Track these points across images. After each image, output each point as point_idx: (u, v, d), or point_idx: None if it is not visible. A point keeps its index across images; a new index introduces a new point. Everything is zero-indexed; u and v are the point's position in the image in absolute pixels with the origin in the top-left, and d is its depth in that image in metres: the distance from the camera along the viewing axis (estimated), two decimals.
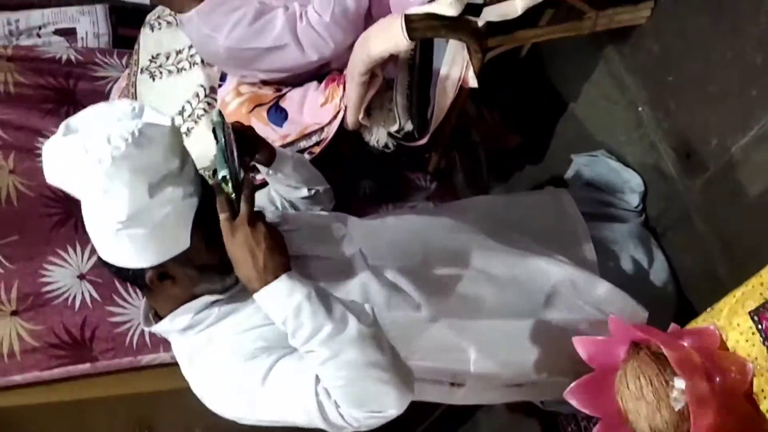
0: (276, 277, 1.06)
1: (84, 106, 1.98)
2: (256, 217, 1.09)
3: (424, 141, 1.87)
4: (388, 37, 1.60)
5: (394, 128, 1.85)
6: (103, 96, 2.02)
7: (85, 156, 1.02)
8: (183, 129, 1.88)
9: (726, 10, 1.59)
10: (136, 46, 2.04)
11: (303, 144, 1.81)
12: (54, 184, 1.10)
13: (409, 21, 1.56)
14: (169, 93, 1.94)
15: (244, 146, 1.26)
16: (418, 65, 1.80)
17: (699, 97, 1.67)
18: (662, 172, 1.79)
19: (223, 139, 1.16)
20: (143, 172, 1.04)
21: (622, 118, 1.91)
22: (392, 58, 1.68)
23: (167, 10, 1.98)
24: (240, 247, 1.06)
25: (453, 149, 2.34)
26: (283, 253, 1.09)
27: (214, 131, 1.20)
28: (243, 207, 1.08)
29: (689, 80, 1.70)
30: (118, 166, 1.02)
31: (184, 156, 1.12)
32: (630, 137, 1.89)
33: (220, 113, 1.24)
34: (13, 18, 2.74)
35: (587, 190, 1.91)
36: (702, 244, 1.70)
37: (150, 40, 2.01)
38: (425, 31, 1.59)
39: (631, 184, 1.85)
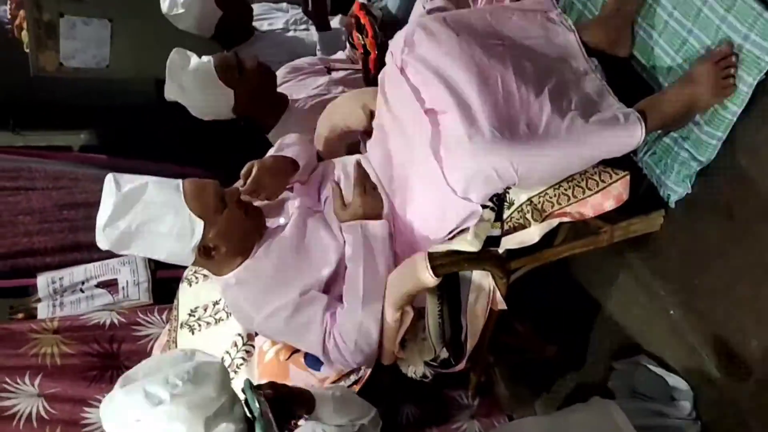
0: None
1: (127, 368, 2.08)
2: None
3: (461, 367, 1.87)
4: (414, 276, 1.66)
5: (429, 357, 1.86)
6: (146, 354, 2.08)
7: (145, 400, 1.11)
8: None
9: (736, 216, 1.64)
10: (175, 302, 2.13)
11: (342, 384, 1.82)
12: None
13: (433, 259, 1.63)
14: (209, 345, 1.98)
15: (281, 410, 1.28)
16: (447, 294, 1.85)
17: (728, 299, 1.68)
18: (708, 377, 1.76)
19: (259, 412, 1.20)
20: (200, 408, 1.13)
21: (656, 322, 1.91)
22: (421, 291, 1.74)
23: None
24: None
25: (491, 363, 2.33)
26: None
27: (246, 404, 1.24)
28: None
29: (715, 283, 1.72)
30: (176, 404, 1.11)
31: (234, 395, 1.21)
32: (668, 341, 1.88)
33: (249, 384, 1.28)
34: (57, 276, 2.89)
35: (635, 400, 1.86)
36: None
37: (188, 295, 2.10)
38: (449, 266, 1.66)
39: (679, 391, 1.81)
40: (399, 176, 1.78)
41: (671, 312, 1.86)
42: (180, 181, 1.73)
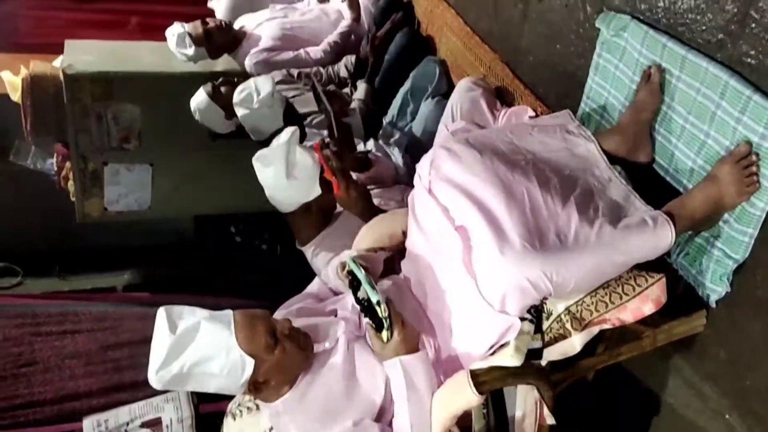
0: None
1: None
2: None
3: None
4: (458, 396, 1.64)
5: None
6: None
7: None
8: None
9: None
10: None
11: None
12: None
13: (475, 376, 1.62)
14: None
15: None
16: (493, 412, 1.81)
17: None
18: None
19: (363, 273, 1.70)
20: None
21: (711, 427, 1.83)
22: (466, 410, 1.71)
23: (247, 397, 2.08)
24: None
25: None
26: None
27: (351, 272, 1.73)
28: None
29: None
30: None
31: None
32: None
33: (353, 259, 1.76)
34: (103, 419, 2.91)
35: None
36: None
37: (232, 430, 2.09)
38: (493, 383, 1.64)
39: None
40: (435, 295, 1.80)
41: (727, 416, 1.79)
42: (231, 317, 1.73)
